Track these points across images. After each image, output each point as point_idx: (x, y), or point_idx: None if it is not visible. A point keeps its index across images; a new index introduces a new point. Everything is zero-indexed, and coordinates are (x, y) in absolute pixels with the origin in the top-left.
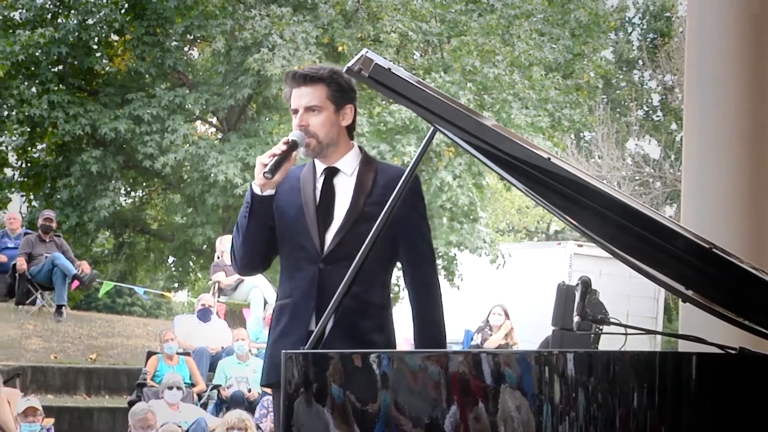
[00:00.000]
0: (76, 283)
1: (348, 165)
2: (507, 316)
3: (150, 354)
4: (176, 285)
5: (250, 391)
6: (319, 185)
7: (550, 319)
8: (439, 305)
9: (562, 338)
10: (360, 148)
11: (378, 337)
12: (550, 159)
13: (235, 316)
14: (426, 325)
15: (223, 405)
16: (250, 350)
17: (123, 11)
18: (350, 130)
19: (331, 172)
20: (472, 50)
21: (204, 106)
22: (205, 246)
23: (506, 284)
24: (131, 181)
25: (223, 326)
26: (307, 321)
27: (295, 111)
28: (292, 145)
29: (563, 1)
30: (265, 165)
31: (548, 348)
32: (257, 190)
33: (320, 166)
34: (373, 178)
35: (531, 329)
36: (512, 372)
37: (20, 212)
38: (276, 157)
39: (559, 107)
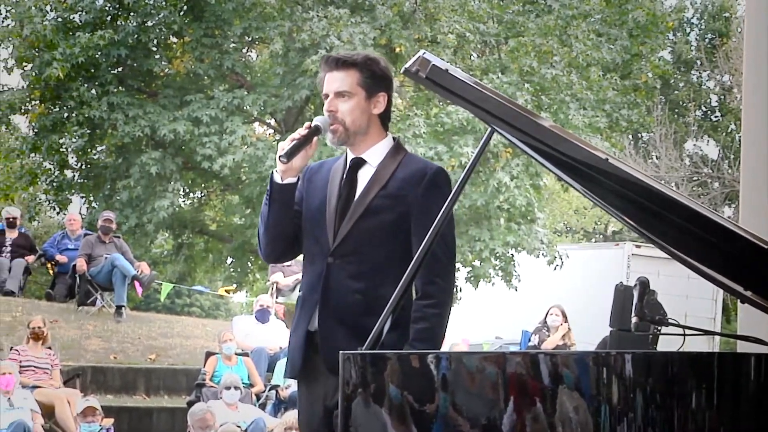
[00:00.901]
0: (135, 283)
1: (375, 156)
2: (564, 317)
3: (209, 354)
4: (234, 286)
5: None
6: (344, 176)
7: (607, 320)
8: (442, 309)
9: (620, 339)
10: (395, 138)
11: (389, 336)
12: (607, 159)
13: (289, 317)
14: (418, 325)
15: (281, 405)
16: None
17: (182, 13)
18: (384, 119)
19: (357, 164)
20: (529, 51)
21: (262, 108)
22: None
23: (564, 285)
24: (190, 182)
25: (281, 327)
26: (310, 316)
27: (326, 96)
28: (314, 130)
29: (621, 2)
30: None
31: (606, 349)
32: (277, 178)
33: (350, 157)
34: (394, 169)
35: (589, 330)
36: (570, 373)
37: (80, 213)
38: (295, 141)
39: (617, 108)
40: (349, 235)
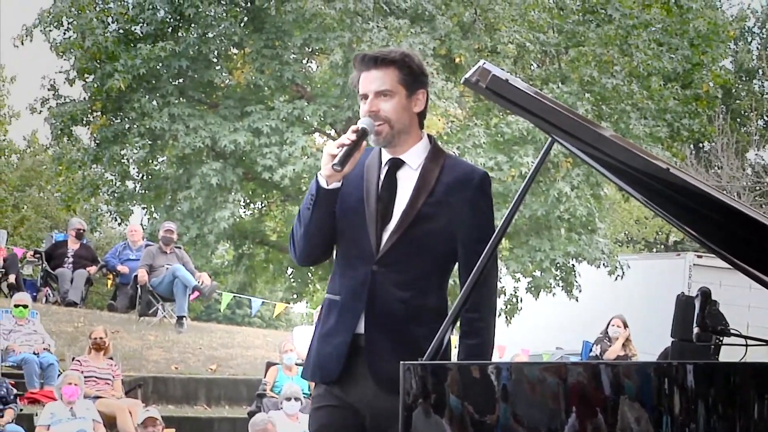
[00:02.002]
0: (196, 294)
1: (414, 158)
2: (626, 327)
3: (269, 365)
4: (295, 296)
5: None
6: (381, 177)
7: (669, 330)
8: (488, 319)
9: (682, 349)
10: (430, 138)
11: (420, 330)
12: (668, 169)
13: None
14: (469, 339)
15: None
16: None
17: (242, 24)
18: (421, 117)
19: (395, 164)
20: (590, 60)
21: (322, 118)
22: None
23: (625, 295)
24: (250, 192)
25: None
26: (354, 324)
27: (365, 96)
28: (362, 134)
29: (682, 11)
30: (334, 156)
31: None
32: (323, 183)
33: (385, 156)
34: (438, 174)
35: (650, 340)
36: (631, 383)
37: (141, 224)
38: (345, 148)
39: (678, 117)
40: (397, 244)
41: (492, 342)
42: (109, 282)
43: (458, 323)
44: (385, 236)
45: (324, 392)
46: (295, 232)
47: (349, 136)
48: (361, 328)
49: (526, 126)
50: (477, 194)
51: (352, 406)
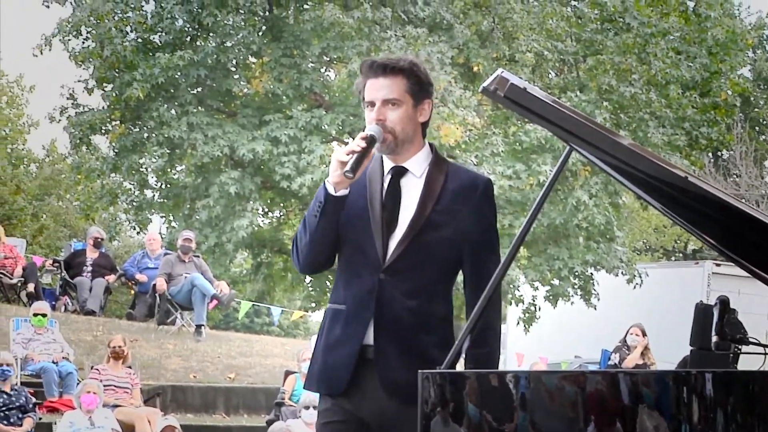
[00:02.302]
0: (214, 302)
1: (417, 166)
2: (644, 335)
3: (288, 373)
4: (313, 304)
5: None
6: (385, 185)
7: (688, 338)
8: (495, 327)
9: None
10: (432, 146)
11: (441, 354)
12: (687, 178)
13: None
14: (478, 354)
15: None
16: None
17: (260, 34)
18: (425, 127)
19: (399, 172)
20: (608, 69)
21: (340, 127)
22: None
23: (643, 304)
24: (269, 201)
25: None
26: (362, 333)
27: (371, 104)
28: (371, 141)
29: (700, 20)
30: (344, 163)
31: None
32: (331, 190)
33: (388, 164)
34: (443, 182)
35: (669, 349)
36: (650, 392)
37: (160, 233)
38: (356, 155)
39: (697, 126)
40: (405, 252)
41: (499, 349)
42: (131, 291)
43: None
44: (392, 244)
45: (332, 406)
46: (300, 239)
47: (358, 143)
48: (369, 338)
49: (544, 134)
50: (482, 201)
51: (361, 419)
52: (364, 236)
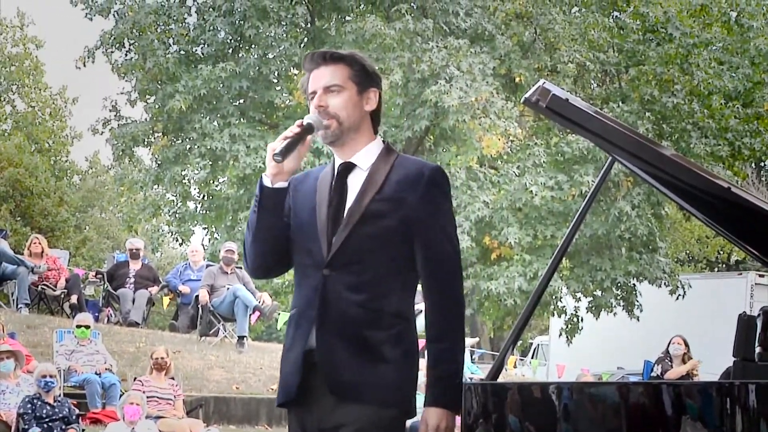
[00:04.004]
0: (257, 314)
1: (365, 159)
2: (687, 346)
3: None
4: None
5: None
6: (333, 183)
7: (731, 350)
8: (454, 324)
9: (744, 369)
10: (384, 141)
11: (391, 351)
12: (730, 188)
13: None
14: (437, 350)
15: None
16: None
17: (302, 45)
18: (375, 119)
19: (346, 168)
20: (650, 79)
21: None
22: None
23: (686, 315)
24: None
25: None
26: (307, 333)
27: (313, 93)
28: (307, 128)
29: (743, 30)
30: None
31: (729, 379)
32: (267, 182)
33: (337, 162)
34: (387, 172)
35: (712, 360)
36: (693, 403)
37: (202, 245)
38: (288, 140)
39: (739, 136)
40: (346, 244)
41: (461, 348)
42: (167, 300)
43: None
44: (335, 240)
45: (291, 423)
46: (246, 240)
47: (293, 129)
48: (313, 340)
49: (586, 145)
50: (429, 187)
51: (315, 425)
52: (311, 236)
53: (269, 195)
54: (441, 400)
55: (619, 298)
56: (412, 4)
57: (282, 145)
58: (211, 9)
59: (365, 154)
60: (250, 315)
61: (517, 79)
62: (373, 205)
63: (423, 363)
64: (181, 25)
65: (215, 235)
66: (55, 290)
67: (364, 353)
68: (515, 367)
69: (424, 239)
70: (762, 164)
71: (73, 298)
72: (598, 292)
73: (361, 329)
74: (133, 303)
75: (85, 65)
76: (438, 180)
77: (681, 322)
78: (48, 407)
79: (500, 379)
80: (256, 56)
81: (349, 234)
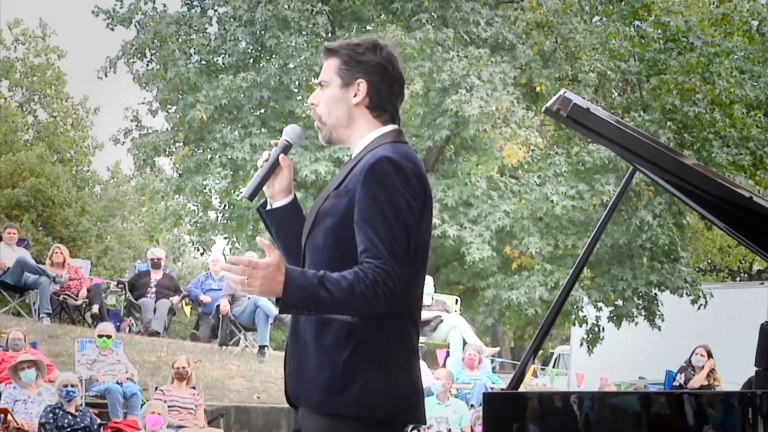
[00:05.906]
0: (278, 323)
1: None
2: (710, 356)
3: None
4: None
5: (449, 431)
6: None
7: (753, 359)
8: (351, 294)
9: (766, 379)
10: (396, 131)
11: (338, 353)
12: (752, 198)
13: (428, 356)
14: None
15: None
16: (450, 390)
17: (323, 55)
18: (375, 109)
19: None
20: (671, 89)
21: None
22: None
23: (708, 324)
24: None
25: (422, 366)
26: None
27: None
28: (282, 148)
29: (764, 39)
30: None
31: (751, 389)
32: (268, 205)
33: None
34: (353, 166)
35: (734, 370)
36: (715, 413)
37: (223, 254)
38: (258, 180)
39: (761, 145)
40: (306, 250)
41: (342, 314)
42: (188, 309)
43: None
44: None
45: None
46: None
47: (264, 157)
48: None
49: (607, 154)
50: (367, 175)
51: None
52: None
53: (270, 215)
54: (295, 275)
55: (640, 307)
56: (432, 14)
57: (251, 183)
58: (232, 19)
59: (359, 150)
60: (271, 324)
61: (538, 89)
62: (327, 202)
63: (425, 369)
64: (202, 35)
65: (236, 245)
66: (76, 300)
67: (312, 354)
68: (536, 376)
69: (359, 234)
70: None
71: (95, 308)
72: (620, 302)
73: (313, 337)
74: (155, 312)
75: (106, 75)
76: (378, 170)
77: (703, 332)
78: (69, 417)
79: (521, 389)
80: (276, 66)
81: (307, 239)
